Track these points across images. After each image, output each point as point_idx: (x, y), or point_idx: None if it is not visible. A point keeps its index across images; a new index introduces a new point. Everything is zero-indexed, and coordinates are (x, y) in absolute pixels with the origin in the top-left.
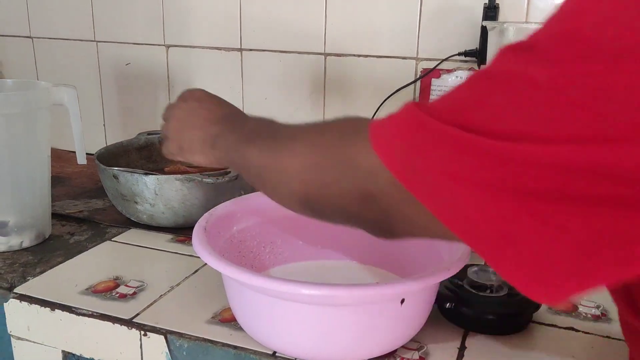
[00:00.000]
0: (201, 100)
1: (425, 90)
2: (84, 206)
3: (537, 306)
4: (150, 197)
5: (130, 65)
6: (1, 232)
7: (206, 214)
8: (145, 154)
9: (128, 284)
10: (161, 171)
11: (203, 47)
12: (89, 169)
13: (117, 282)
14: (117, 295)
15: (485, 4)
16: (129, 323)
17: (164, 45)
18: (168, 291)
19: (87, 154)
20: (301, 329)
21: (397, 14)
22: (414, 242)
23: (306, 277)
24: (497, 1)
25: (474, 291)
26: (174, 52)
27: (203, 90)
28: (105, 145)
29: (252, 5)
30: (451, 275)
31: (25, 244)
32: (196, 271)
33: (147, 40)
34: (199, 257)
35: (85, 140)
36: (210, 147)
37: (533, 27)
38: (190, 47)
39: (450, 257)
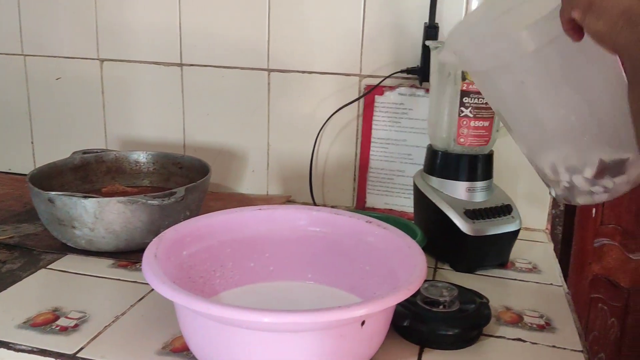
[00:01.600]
0: None
1: (369, 107)
2: (14, 231)
3: (487, 319)
4: (90, 221)
5: (60, 79)
6: None
7: (155, 240)
8: (81, 175)
9: (69, 316)
10: (98, 192)
11: (141, 62)
12: (16, 190)
13: (56, 314)
14: (58, 328)
15: (425, 23)
16: (72, 359)
17: (97, 59)
18: (113, 321)
19: (13, 174)
20: (261, 356)
21: (340, 31)
22: (368, 260)
23: (259, 300)
24: (436, 20)
25: (427, 307)
26: (109, 67)
27: None
28: (34, 165)
29: (193, 19)
30: (412, 294)
31: None
32: (142, 298)
33: (80, 53)
34: (144, 283)
35: (12, 159)
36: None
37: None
38: (126, 61)
39: (406, 274)
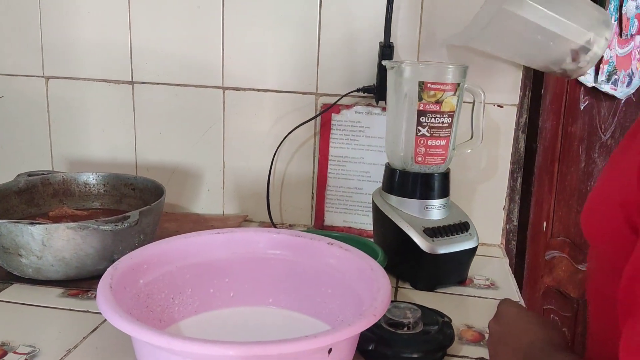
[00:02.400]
0: (509, 324)
1: (326, 125)
2: None
3: (451, 340)
4: (37, 249)
5: (3, 98)
6: None
7: (110, 269)
8: (26, 198)
9: (17, 351)
10: (45, 216)
11: (89, 79)
12: None
13: (4, 349)
14: None
15: (380, 42)
16: None
17: (43, 76)
18: (65, 355)
19: None
20: None
21: (296, 49)
22: (330, 283)
23: (221, 328)
24: (391, 40)
25: (391, 330)
26: (55, 84)
27: (515, 307)
28: None
29: (144, 36)
30: (378, 319)
31: None
32: (95, 329)
33: (23, 71)
34: (97, 313)
35: None
36: None
37: (424, 66)
38: (74, 78)
39: (370, 298)
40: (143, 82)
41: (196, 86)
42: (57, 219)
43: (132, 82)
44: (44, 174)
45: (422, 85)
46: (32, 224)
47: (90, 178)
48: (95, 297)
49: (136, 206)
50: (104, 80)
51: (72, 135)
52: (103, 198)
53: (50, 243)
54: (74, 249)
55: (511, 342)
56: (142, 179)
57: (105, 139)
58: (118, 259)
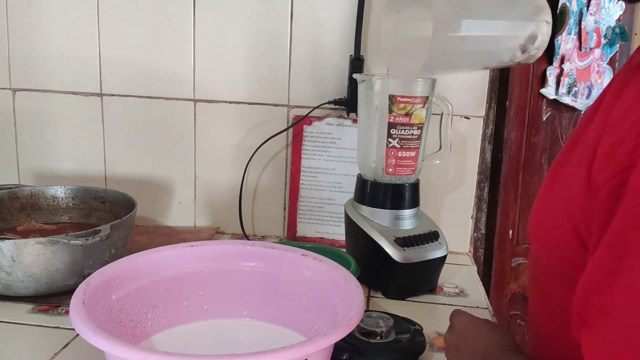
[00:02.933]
0: (463, 333)
1: (298, 136)
2: None
3: (422, 347)
4: (7, 265)
5: None
6: None
7: (82, 285)
8: None
9: None
10: (13, 231)
11: (57, 92)
12: None
13: None
14: None
15: (351, 56)
16: None
17: (9, 88)
18: None
19: None
20: None
21: (268, 62)
22: (304, 294)
23: (194, 341)
24: (361, 53)
25: (365, 339)
26: (22, 97)
27: (466, 316)
28: None
29: (113, 49)
30: (352, 329)
31: None
32: (67, 345)
33: None
34: (68, 329)
35: None
36: None
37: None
38: (41, 91)
39: (345, 308)
40: (112, 95)
41: (167, 98)
42: (25, 234)
43: (101, 95)
44: (11, 188)
45: (392, 99)
46: (1, 239)
47: (59, 192)
48: (65, 312)
49: (106, 219)
50: (72, 93)
51: (40, 148)
52: (72, 212)
53: (20, 258)
54: (43, 265)
55: (467, 351)
56: (112, 192)
57: (74, 152)
58: (89, 273)
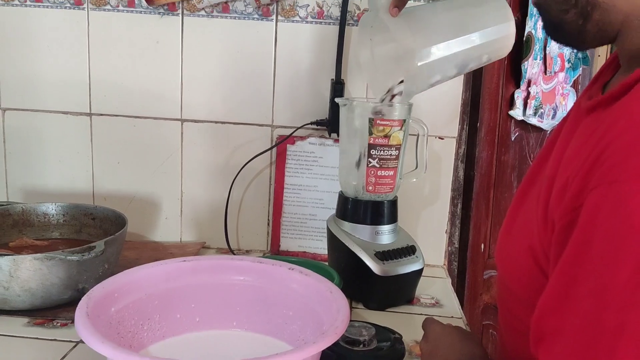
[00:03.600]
0: (436, 342)
1: (282, 155)
2: None
3: (402, 355)
4: (4, 280)
5: None
6: None
7: (85, 298)
8: None
9: None
10: (5, 247)
11: (46, 111)
12: None
13: None
14: None
15: (332, 79)
16: None
17: None
18: None
19: None
20: None
21: (253, 84)
22: (291, 305)
23: (188, 352)
24: (342, 77)
25: (349, 347)
26: (12, 116)
27: (439, 326)
28: None
29: (103, 70)
30: (339, 337)
31: None
32: (63, 357)
33: None
34: (64, 341)
35: None
36: None
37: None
38: (31, 110)
39: (331, 318)
40: (101, 114)
41: (155, 118)
42: (17, 250)
43: (90, 114)
44: (3, 205)
45: (372, 121)
46: (0, 255)
47: (50, 208)
48: (61, 325)
49: (96, 235)
50: (62, 112)
51: (28, 165)
52: (62, 228)
53: (18, 274)
54: (40, 279)
55: (441, 359)
56: (102, 209)
57: (62, 169)
58: (82, 287)
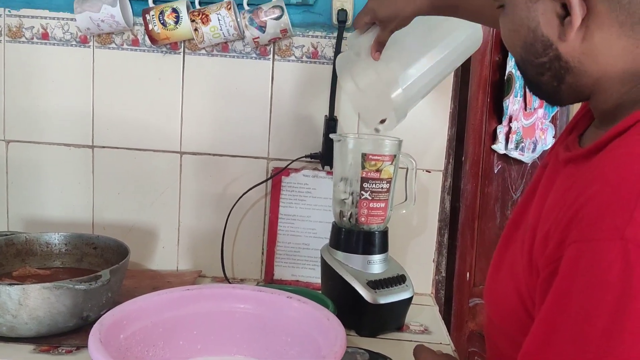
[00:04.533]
0: None
1: (277, 186)
2: None
3: None
4: (14, 308)
5: None
6: None
7: (97, 325)
8: None
9: None
10: (9, 276)
11: (50, 143)
12: None
13: None
14: None
15: (326, 116)
16: None
17: (3, 140)
18: None
19: None
20: None
21: (250, 119)
22: (289, 332)
23: None
24: (335, 114)
25: None
26: (15, 147)
27: (428, 353)
28: None
29: (106, 104)
30: None
31: None
32: None
33: None
34: None
35: None
36: None
37: (366, 140)
38: (35, 142)
39: (329, 344)
40: (103, 147)
41: (155, 150)
42: (21, 279)
43: (92, 147)
44: (7, 235)
45: (364, 156)
46: (11, 284)
47: (53, 238)
48: (66, 352)
49: (97, 264)
50: (65, 144)
51: (30, 196)
52: (64, 257)
53: (27, 302)
54: (48, 308)
55: None
56: (104, 238)
57: (63, 200)
58: (87, 315)
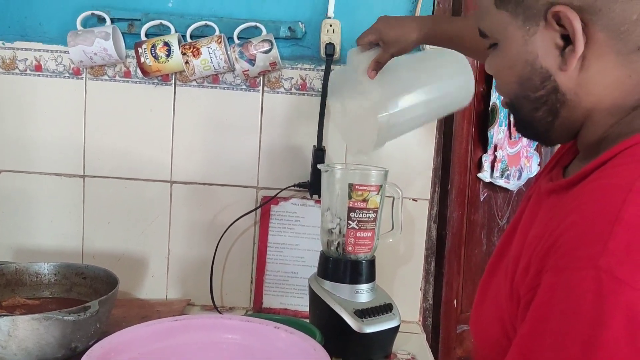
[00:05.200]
0: None
1: (266, 215)
2: None
3: None
4: (3, 339)
5: None
6: None
7: (85, 357)
8: None
9: None
10: None
11: (41, 173)
12: None
13: None
14: None
15: (314, 146)
16: None
17: None
18: None
19: None
20: None
21: (240, 149)
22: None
23: None
24: (323, 144)
25: None
26: (6, 177)
27: None
28: None
29: (98, 135)
30: None
31: None
32: None
33: None
34: None
35: None
36: None
37: (353, 171)
38: (26, 172)
39: None
40: (94, 176)
41: (145, 180)
42: (10, 309)
43: (83, 176)
44: None
45: (351, 187)
46: (0, 316)
47: (43, 268)
48: None
49: (85, 294)
50: (56, 174)
51: (20, 225)
52: (53, 287)
53: (16, 334)
54: (36, 339)
55: None
56: (93, 268)
57: (53, 229)
58: (76, 346)
